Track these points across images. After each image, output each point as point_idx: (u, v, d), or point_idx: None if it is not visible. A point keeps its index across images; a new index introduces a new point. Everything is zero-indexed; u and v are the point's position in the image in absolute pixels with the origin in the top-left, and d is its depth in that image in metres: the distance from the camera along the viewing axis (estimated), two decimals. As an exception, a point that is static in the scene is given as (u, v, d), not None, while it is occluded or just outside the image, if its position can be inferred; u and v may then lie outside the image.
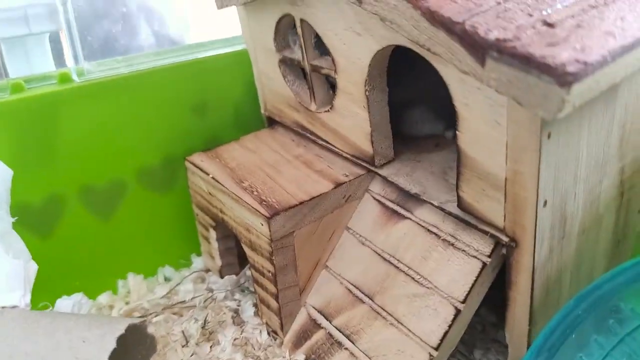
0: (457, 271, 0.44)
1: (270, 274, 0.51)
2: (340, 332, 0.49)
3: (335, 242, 0.54)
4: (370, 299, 0.49)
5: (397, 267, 0.48)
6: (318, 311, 0.52)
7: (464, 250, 0.45)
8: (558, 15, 0.34)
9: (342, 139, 0.54)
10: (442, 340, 0.43)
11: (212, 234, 0.61)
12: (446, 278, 0.45)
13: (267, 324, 0.56)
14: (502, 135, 0.38)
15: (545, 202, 0.39)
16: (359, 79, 0.48)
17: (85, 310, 0.58)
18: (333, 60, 0.50)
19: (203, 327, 0.56)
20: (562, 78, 0.29)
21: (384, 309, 0.47)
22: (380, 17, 0.39)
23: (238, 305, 0.59)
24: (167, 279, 0.66)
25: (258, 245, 0.51)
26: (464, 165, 0.42)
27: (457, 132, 0.41)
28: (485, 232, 0.43)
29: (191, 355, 0.53)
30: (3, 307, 0.46)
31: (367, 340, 0.47)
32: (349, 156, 0.54)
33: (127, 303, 0.62)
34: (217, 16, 0.62)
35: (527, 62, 0.30)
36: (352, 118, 0.51)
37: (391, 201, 0.51)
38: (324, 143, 0.57)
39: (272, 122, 0.65)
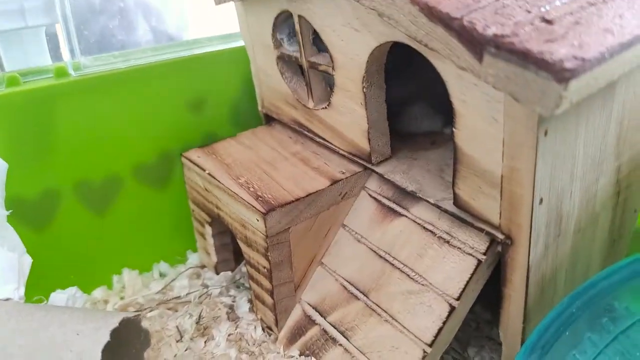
0: (452, 268, 0.44)
1: (266, 270, 0.51)
2: (335, 328, 0.49)
3: (331, 239, 0.54)
4: (366, 295, 0.49)
5: (393, 265, 0.48)
6: (313, 307, 0.52)
7: (459, 248, 0.45)
8: (556, 12, 0.34)
9: (339, 136, 0.54)
10: (436, 336, 0.43)
11: (208, 230, 0.61)
12: (441, 275, 0.45)
13: (261, 319, 0.56)
14: (499, 132, 0.38)
15: (541, 200, 0.39)
16: (357, 76, 0.48)
17: (80, 305, 0.58)
18: (331, 57, 0.50)
19: (197, 323, 0.56)
20: (560, 74, 0.29)
21: (379, 306, 0.47)
22: (378, 13, 0.39)
23: (233, 301, 0.59)
24: (162, 275, 0.66)
25: (253, 241, 0.51)
26: (461, 162, 0.42)
27: (454, 129, 0.41)
28: (481, 230, 0.43)
29: (185, 350, 0.53)
30: (-3, 300, 0.45)
31: (362, 336, 0.47)
32: (345, 153, 0.54)
33: (122, 298, 0.62)
34: (215, 12, 0.62)
35: (524, 58, 0.30)
36: (350, 115, 0.51)
37: (387, 199, 0.51)
38: (321, 140, 0.57)
39: (269, 119, 0.65)
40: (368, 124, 0.50)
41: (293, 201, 0.49)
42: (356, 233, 0.52)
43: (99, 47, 0.67)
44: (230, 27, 0.66)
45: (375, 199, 0.52)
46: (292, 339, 0.52)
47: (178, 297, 0.61)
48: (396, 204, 0.50)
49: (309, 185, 0.51)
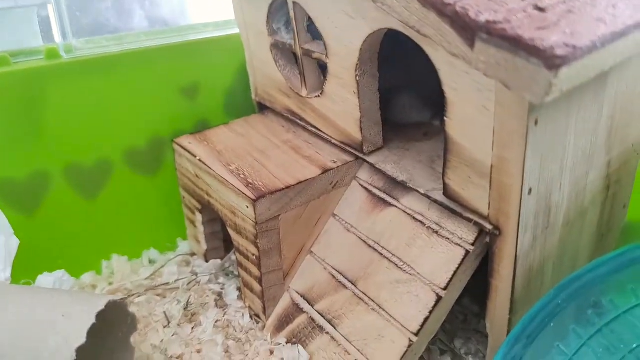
0: (441, 258, 0.44)
1: (255, 257, 0.51)
2: (322, 316, 0.49)
3: (321, 228, 0.54)
4: (354, 284, 0.49)
5: (382, 254, 0.48)
6: (301, 296, 0.52)
7: (447, 238, 0.45)
8: (550, 0, 0.34)
9: (331, 125, 0.54)
10: (422, 326, 0.43)
11: (198, 217, 0.61)
12: (429, 265, 0.45)
13: (250, 307, 0.56)
14: (489, 121, 0.38)
15: (530, 190, 0.39)
16: (350, 64, 0.48)
17: (67, 288, 0.58)
18: (325, 44, 0.50)
19: (185, 309, 0.56)
20: (550, 61, 0.29)
21: (366, 295, 0.47)
22: (372, -1, 0.39)
23: (222, 289, 0.59)
24: (151, 262, 0.66)
25: (243, 228, 0.51)
26: (451, 151, 0.42)
27: (445, 117, 0.41)
28: (470, 220, 0.43)
29: (172, 336, 0.53)
30: (-18, 280, 0.45)
31: (349, 325, 0.47)
32: (337, 143, 0.54)
33: (110, 284, 0.62)
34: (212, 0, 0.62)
35: (515, 45, 0.30)
36: (342, 103, 0.51)
37: (378, 189, 0.51)
38: (313, 129, 0.57)
39: (262, 108, 0.65)
40: (360, 112, 0.50)
41: (283, 189, 0.49)
42: (346, 222, 0.52)
43: (91, 30, 0.67)
44: (228, 14, 0.66)
45: (366, 188, 0.52)
46: (280, 326, 0.52)
47: (166, 284, 0.61)
48: (387, 194, 0.50)
49: (299, 174, 0.51)
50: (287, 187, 0.50)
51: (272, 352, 0.50)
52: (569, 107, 0.39)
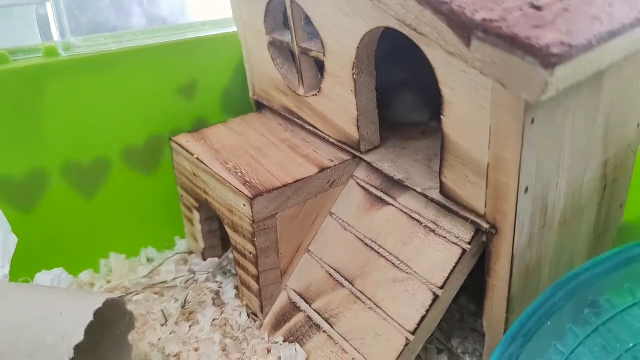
0: (437, 257, 0.44)
1: (252, 256, 0.51)
2: (320, 315, 0.49)
3: (318, 226, 0.54)
4: (351, 283, 0.49)
5: (379, 253, 0.48)
6: (298, 294, 0.52)
7: (444, 237, 0.45)
8: None
9: (329, 123, 0.54)
10: (419, 324, 0.43)
11: (196, 216, 0.61)
12: (426, 264, 0.45)
13: (247, 306, 0.56)
14: (486, 120, 0.38)
15: (527, 189, 0.39)
16: (347, 62, 0.48)
17: (65, 286, 0.58)
18: (322, 43, 0.50)
19: (183, 307, 0.56)
20: (546, 59, 0.29)
21: (363, 294, 0.47)
22: (369, -3, 0.39)
23: (219, 287, 0.59)
24: (149, 260, 0.66)
25: (240, 227, 0.51)
26: (448, 150, 0.42)
27: (442, 116, 0.41)
28: (466, 219, 0.43)
29: (170, 334, 0.53)
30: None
31: (346, 324, 0.47)
32: (335, 141, 0.54)
33: (108, 282, 0.62)
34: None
35: (511, 43, 0.30)
36: (339, 102, 0.51)
37: (375, 187, 0.51)
38: (311, 128, 0.57)
39: (260, 107, 0.65)
40: (357, 111, 0.50)
41: (280, 187, 0.49)
42: (343, 221, 0.52)
43: (90, 28, 0.67)
44: (225, 12, 0.66)
45: (363, 187, 0.52)
46: (277, 325, 0.52)
47: (164, 282, 0.61)
48: (384, 192, 0.50)
49: (297, 172, 0.51)
50: (285, 186, 0.50)
51: (269, 351, 0.50)
52: (566, 107, 0.39)
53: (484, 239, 0.43)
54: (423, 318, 0.43)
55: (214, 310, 0.56)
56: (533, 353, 0.38)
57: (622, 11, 0.33)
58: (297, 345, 0.50)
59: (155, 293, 0.59)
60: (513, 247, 0.41)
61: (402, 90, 0.58)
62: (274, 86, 0.60)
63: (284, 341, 0.51)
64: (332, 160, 0.53)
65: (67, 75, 0.57)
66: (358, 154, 0.52)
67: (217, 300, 0.58)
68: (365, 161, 0.52)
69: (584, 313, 0.41)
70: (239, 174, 0.51)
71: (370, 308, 0.46)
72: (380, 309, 0.46)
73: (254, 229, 0.49)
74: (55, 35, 0.58)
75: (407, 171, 0.49)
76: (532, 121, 0.36)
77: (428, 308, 0.43)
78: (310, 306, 0.50)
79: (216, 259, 0.63)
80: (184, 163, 0.58)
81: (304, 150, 0.55)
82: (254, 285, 0.53)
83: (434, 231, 0.45)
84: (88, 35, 0.60)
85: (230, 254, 0.63)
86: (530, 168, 0.38)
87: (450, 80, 0.39)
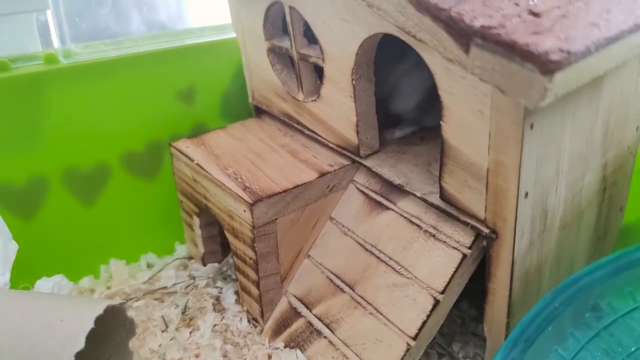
0: (438, 262, 0.44)
1: (252, 261, 0.51)
2: (320, 320, 0.49)
3: (318, 231, 0.54)
4: (351, 288, 0.49)
5: (379, 258, 0.48)
6: (299, 300, 0.52)
7: (444, 242, 0.45)
8: (544, 5, 0.34)
9: (328, 128, 0.54)
10: (420, 330, 0.43)
11: (196, 221, 0.61)
12: (426, 269, 0.45)
13: (247, 311, 0.56)
14: (485, 125, 0.38)
15: (527, 194, 0.39)
16: (346, 68, 0.48)
17: (66, 292, 0.58)
18: (321, 49, 0.50)
19: (183, 313, 0.56)
20: (545, 66, 0.29)
21: (364, 299, 0.47)
22: (367, 3, 0.39)
23: (219, 293, 0.59)
24: (149, 266, 0.66)
25: (240, 232, 0.51)
26: (447, 155, 0.42)
27: (441, 122, 0.41)
28: (466, 224, 0.43)
29: (170, 340, 0.53)
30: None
31: (347, 329, 0.47)
32: (334, 146, 0.54)
33: (108, 288, 0.62)
34: (210, 4, 0.62)
35: (510, 50, 0.30)
36: (339, 107, 0.51)
37: (375, 192, 0.51)
38: (310, 133, 0.57)
39: (259, 112, 0.65)
40: (357, 116, 0.50)
41: (280, 192, 0.49)
42: (343, 226, 0.52)
43: (90, 35, 0.67)
44: (225, 18, 0.66)
45: (362, 192, 0.52)
46: (278, 330, 0.52)
47: (164, 288, 0.61)
48: (383, 197, 0.50)
49: (296, 177, 0.51)
50: (285, 191, 0.50)
51: (270, 357, 0.50)
52: (564, 111, 0.39)
53: (484, 243, 0.43)
54: (424, 323, 0.43)
55: (214, 315, 0.56)
56: (534, 358, 0.38)
57: (619, 17, 0.33)
58: (298, 351, 0.50)
59: (156, 299, 0.59)
60: (513, 251, 0.41)
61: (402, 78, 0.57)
62: (273, 91, 0.60)
63: (285, 347, 0.51)
64: (331, 165, 0.53)
65: (67, 82, 0.57)
66: (357, 158, 0.52)
67: (218, 305, 0.58)
68: (364, 166, 0.52)
69: (585, 317, 0.41)
70: (239, 180, 0.52)
71: (370, 313, 0.46)
72: (381, 314, 0.46)
73: (254, 234, 0.49)
74: (56, 42, 0.59)
75: (407, 176, 0.50)
76: (531, 126, 0.36)
77: (429, 313, 0.43)
78: (310, 311, 0.50)
79: (216, 265, 0.63)
80: (183, 169, 0.58)
81: (304, 155, 0.55)
82: (254, 290, 0.53)
83: (434, 236, 0.45)
84: (88, 41, 0.60)
85: (230, 259, 0.63)
86: (530, 173, 0.38)
87: (449, 86, 0.39)
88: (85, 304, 0.44)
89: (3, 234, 0.51)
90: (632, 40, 0.33)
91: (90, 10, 0.67)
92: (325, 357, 0.48)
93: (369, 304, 0.47)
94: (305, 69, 0.54)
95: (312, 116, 0.56)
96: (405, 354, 0.43)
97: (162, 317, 0.56)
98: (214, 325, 0.55)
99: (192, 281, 0.61)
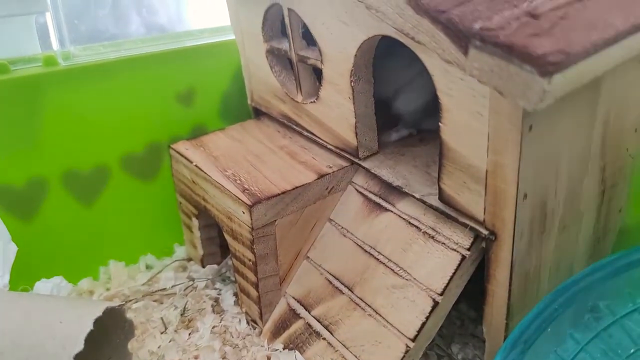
0: (437, 264, 0.44)
1: (251, 263, 0.51)
2: (319, 322, 0.49)
3: (317, 233, 0.54)
4: (350, 290, 0.49)
5: (377, 259, 0.48)
6: (297, 301, 0.52)
7: (443, 243, 0.45)
8: (543, 7, 0.34)
9: (327, 130, 0.54)
10: (419, 331, 0.43)
11: (195, 223, 0.61)
12: (425, 270, 0.45)
13: (246, 313, 0.56)
14: (484, 127, 0.38)
15: (525, 196, 0.39)
16: (345, 70, 0.48)
17: (65, 294, 0.58)
18: (320, 50, 0.50)
19: (182, 315, 0.56)
20: (543, 68, 0.29)
21: (363, 300, 0.47)
22: (366, 5, 0.39)
23: (218, 294, 0.59)
24: (148, 267, 0.66)
25: (239, 234, 0.51)
26: (446, 157, 0.42)
27: (440, 123, 0.41)
28: (465, 225, 0.43)
29: (169, 342, 0.53)
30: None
31: (346, 330, 0.47)
32: (333, 148, 0.54)
33: (107, 289, 0.62)
34: (209, 6, 0.62)
35: (509, 51, 0.30)
36: (337, 109, 0.51)
37: (374, 194, 0.51)
38: (309, 135, 0.57)
39: (258, 113, 0.65)
40: (355, 118, 0.50)
41: (279, 194, 0.49)
42: (342, 227, 0.52)
43: (89, 37, 0.67)
44: (223, 20, 0.66)
45: (361, 193, 0.52)
46: (277, 332, 0.52)
47: (163, 289, 0.61)
48: (382, 198, 0.50)
49: (295, 179, 0.51)
50: (283, 193, 0.50)
51: (269, 358, 0.50)
52: (563, 113, 0.39)
53: (483, 245, 0.43)
54: (423, 324, 0.43)
55: (213, 317, 0.56)
56: (533, 359, 0.38)
57: (618, 18, 0.33)
58: (297, 353, 0.50)
59: (155, 300, 0.59)
60: (512, 253, 0.41)
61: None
62: (272, 93, 0.60)
63: (284, 348, 0.51)
64: (330, 167, 0.53)
65: (66, 84, 0.57)
66: (356, 160, 0.52)
67: (217, 307, 0.58)
68: (363, 167, 0.52)
69: (584, 319, 0.41)
70: (238, 181, 0.52)
71: (369, 315, 0.46)
72: (380, 315, 0.46)
73: (252, 236, 0.49)
74: (55, 45, 0.59)
75: (406, 177, 0.50)
76: (530, 128, 0.36)
77: (428, 314, 0.43)
78: (309, 313, 0.50)
79: (215, 266, 0.63)
80: (182, 170, 0.58)
81: (303, 156, 0.55)
82: (253, 292, 0.53)
83: (433, 237, 0.45)
84: (87, 44, 0.60)
85: (229, 261, 0.63)
86: (529, 174, 0.38)
87: (448, 88, 0.39)
88: (85, 305, 0.44)
89: (2, 235, 0.51)
90: (631, 41, 0.33)
91: (89, 12, 0.67)
92: (324, 358, 0.48)
93: (368, 305, 0.47)
94: (304, 71, 0.54)
95: (311, 118, 0.56)
96: (404, 356, 0.43)
97: (161, 318, 0.56)
98: (213, 327, 0.55)
99: (191, 283, 0.61)
